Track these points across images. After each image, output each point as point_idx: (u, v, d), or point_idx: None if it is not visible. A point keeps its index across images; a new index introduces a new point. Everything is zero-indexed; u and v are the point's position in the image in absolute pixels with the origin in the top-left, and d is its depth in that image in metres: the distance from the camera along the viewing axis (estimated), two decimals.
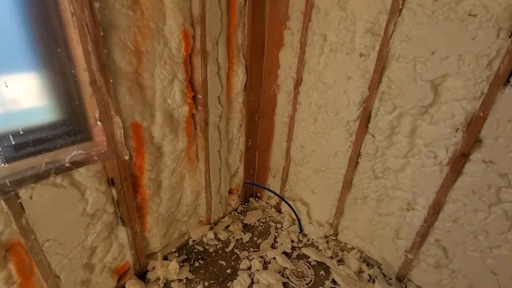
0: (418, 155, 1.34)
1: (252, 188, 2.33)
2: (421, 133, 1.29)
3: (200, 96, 1.48)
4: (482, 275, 1.28)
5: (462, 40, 1.05)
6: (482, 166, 1.14)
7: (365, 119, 1.43)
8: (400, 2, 1.14)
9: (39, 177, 1.00)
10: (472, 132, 1.12)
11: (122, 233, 1.41)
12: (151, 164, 1.41)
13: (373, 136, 1.45)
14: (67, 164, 1.06)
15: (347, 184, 1.66)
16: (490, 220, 1.19)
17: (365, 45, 1.32)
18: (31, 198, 1.03)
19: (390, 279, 1.60)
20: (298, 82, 1.69)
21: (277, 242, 1.86)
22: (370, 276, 1.61)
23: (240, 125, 1.93)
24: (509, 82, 0.99)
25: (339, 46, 1.42)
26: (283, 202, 2.05)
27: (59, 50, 0.89)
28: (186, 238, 1.83)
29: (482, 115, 1.08)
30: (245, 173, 2.16)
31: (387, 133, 1.38)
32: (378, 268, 1.65)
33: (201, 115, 1.55)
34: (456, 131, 1.17)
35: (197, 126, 1.59)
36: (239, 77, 1.70)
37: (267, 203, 2.28)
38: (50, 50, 0.88)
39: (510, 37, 0.96)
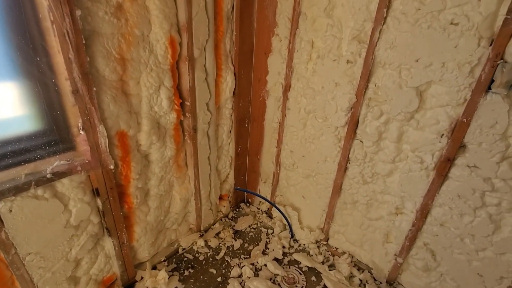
0: (405, 160, 1.35)
1: (243, 193, 2.32)
2: (408, 138, 1.31)
3: (188, 103, 1.47)
4: (469, 278, 1.30)
5: (444, 48, 1.07)
6: (467, 171, 1.16)
7: (353, 124, 1.44)
8: (385, 10, 1.16)
9: (18, 189, 0.97)
10: (456, 138, 1.14)
11: (109, 244, 1.38)
12: (138, 172, 1.38)
13: (361, 141, 1.46)
14: (48, 175, 1.02)
15: (337, 189, 1.66)
16: (476, 223, 1.21)
17: (351, 52, 1.33)
18: (10, 211, 0.99)
19: (381, 283, 1.60)
20: (287, 88, 1.69)
21: (268, 248, 1.85)
22: (361, 280, 1.61)
23: (230, 131, 1.92)
24: (490, 89, 1.01)
25: (326, 52, 1.43)
26: (274, 207, 2.05)
27: (38, 59, 0.87)
28: (175, 246, 1.80)
29: (465, 121, 1.10)
30: (235, 179, 2.15)
31: (374, 138, 1.39)
32: (368, 272, 1.66)
33: (189, 122, 1.53)
34: (441, 137, 1.19)
35: (186, 133, 1.57)
36: (228, 83, 1.70)
37: (258, 209, 2.27)
38: (28, 59, 0.85)
39: (490, 45, 0.98)
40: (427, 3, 1.06)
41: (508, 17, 0.93)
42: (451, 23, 1.03)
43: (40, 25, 0.85)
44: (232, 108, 1.83)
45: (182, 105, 1.47)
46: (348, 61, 1.36)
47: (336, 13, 1.35)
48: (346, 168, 1.58)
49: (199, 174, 1.76)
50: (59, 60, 0.90)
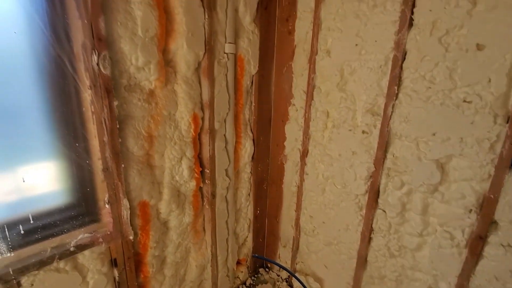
0: (434, 235, 1.26)
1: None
2: (434, 211, 1.24)
3: (208, 171, 1.52)
4: None
5: (460, 123, 1.07)
6: (501, 250, 1.06)
7: (374, 193, 1.41)
8: (396, 87, 1.21)
9: (42, 263, 1.01)
10: (486, 214, 1.07)
11: None
12: (156, 241, 1.39)
13: (384, 211, 1.41)
14: (72, 248, 1.06)
15: (362, 261, 1.55)
16: None
17: (366, 124, 1.37)
18: (32, 285, 1.02)
19: None
20: (304, 154, 1.72)
21: None
22: None
23: (249, 194, 1.93)
24: None
25: (341, 122, 1.48)
26: (294, 278, 1.92)
27: (77, 144, 0.98)
28: None
29: (493, 197, 1.04)
30: (254, 242, 2.08)
31: (398, 209, 1.33)
32: None
33: (208, 188, 1.57)
34: (470, 212, 1.12)
35: (204, 199, 1.60)
36: (247, 149, 1.76)
37: (278, 275, 2.13)
38: (68, 145, 0.96)
39: (507, 122, 0.98)
40: (437, 82, 1.11)
41: None
42: (464, 101, 1.05)
43: (82, 116, 0.98)
44: (250, 172, 1.86)
45: (201, 172, 1.53)
46: (363, 132, 1.39)
47: (349, 87, 1.43)
48: (370, 239, 1.49)
49: (217, 239, 1.73)
50: (94, 143, 1.01)
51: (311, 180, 1.73)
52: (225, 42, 1.42)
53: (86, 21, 0.87)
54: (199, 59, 1.31)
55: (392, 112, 1.26)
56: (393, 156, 1.31)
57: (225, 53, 1.43)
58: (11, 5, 0.79)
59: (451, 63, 1.06)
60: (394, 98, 1.24)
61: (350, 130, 1.45)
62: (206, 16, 1.26)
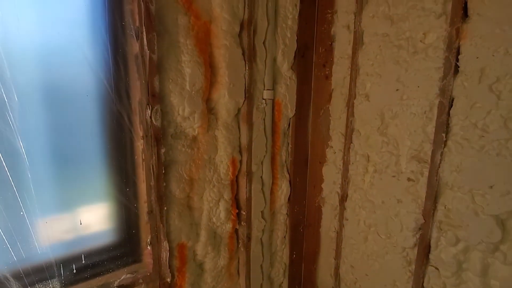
0: None
1: None
2: (495, 273, 1.09)
3: (244, 213, 1.53)
4: None
5: None
6: None
7: (424, 248, 1.28)
8: (443, 135, 1.15)
9: None
10: None
11: None
12: (191, 283, 1.39)
13: (437, 269, 1.26)
14: None
15: None
16: None
17: (411, 170, 1.29)
18: None
19: None
20: (343, 198, 1.65)
21: None
22: None
23: (284, 236, 1.87)
24: None
25: (383, 167, 1.41)
26: None
27: (127, 189, 1.06)
28: None
29: None
30: None
31: (453, 268, 1.19)
32: None
33: (244, 230, 1.56)
34: None
35: (240, 241, 1.59)
36: (283, 191, 1.75)
37: None
38: (120, 191, 1.05)
39: None
40: (491, 131, 1.03)
41: None
42: None
43: (134, 163, 1.07)
44: (286, 213, 1.83)
45: (238, 214, 1.54)
46: (409, 179, 1.31)
47: (390, 131, 1.38)
48: None
49: (251, 284, 1.68)
50: (142, 187, 1.09)
51: (352, 227, 1.63)
52: (264, 89, 1.49)
53: (143, 81, 1.00)
54: (239, 106, 1.39)
55: (440, 160, 1.18)
56: (445, 208, 1.20)
57: (263, 99, 1.50)
58: (86, 72, 0.94)
59: (505, 112, 0.98)
60: (442, 145, 1.16)
61: (393, 176, 1.38)
62: (247, 68, 1.35)
